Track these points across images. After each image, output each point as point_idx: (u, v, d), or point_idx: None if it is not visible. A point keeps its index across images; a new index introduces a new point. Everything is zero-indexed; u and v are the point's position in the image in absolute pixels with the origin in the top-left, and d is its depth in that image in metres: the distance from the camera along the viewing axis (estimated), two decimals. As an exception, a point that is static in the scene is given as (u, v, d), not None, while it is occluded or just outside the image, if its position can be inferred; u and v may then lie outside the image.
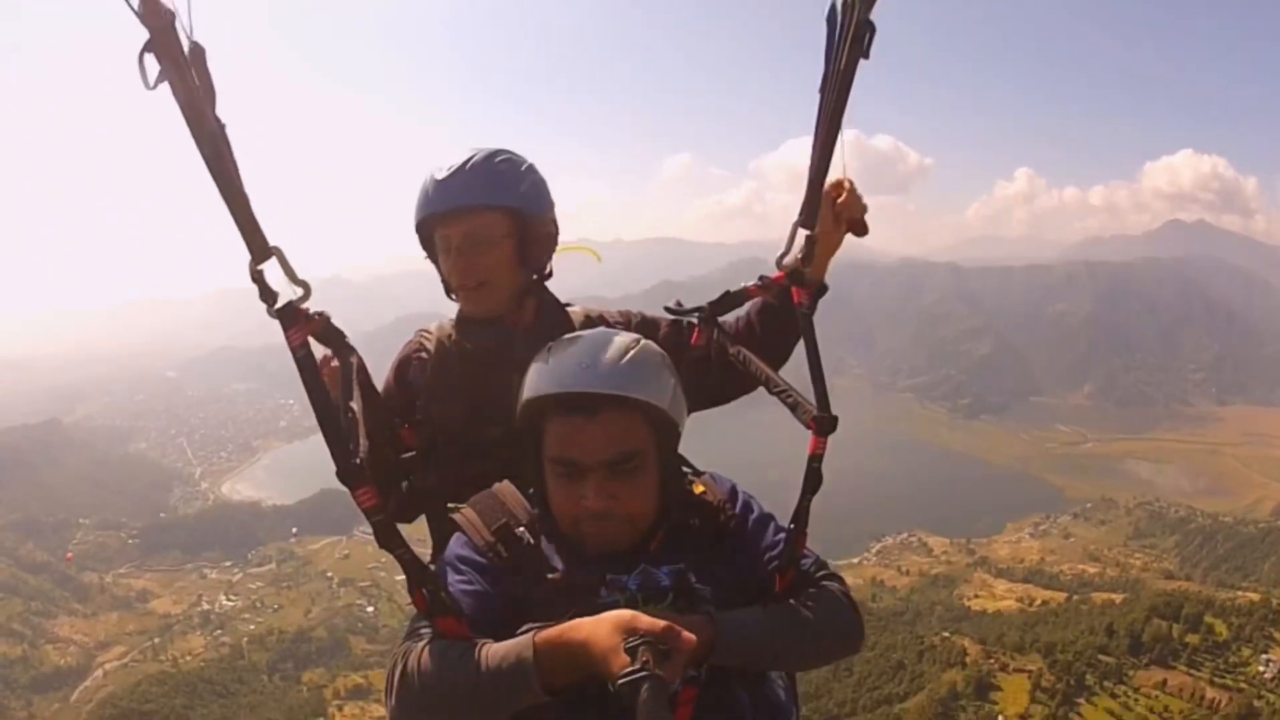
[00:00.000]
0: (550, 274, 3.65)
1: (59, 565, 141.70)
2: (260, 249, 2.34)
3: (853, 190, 3.41)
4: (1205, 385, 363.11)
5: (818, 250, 3.14)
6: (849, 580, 2.94)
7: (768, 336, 3.59)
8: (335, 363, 2.85)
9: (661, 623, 2.04)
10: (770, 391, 3.00)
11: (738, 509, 2.86)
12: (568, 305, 3.72)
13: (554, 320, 3.54)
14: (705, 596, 2.56)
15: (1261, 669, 77.76)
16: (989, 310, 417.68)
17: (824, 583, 2.82)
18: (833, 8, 2.63)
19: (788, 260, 3.15)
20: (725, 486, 2.92)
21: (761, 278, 3.29)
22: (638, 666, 1.93)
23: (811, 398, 2.78)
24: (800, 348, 3.07)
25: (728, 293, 3.33)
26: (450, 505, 2.81)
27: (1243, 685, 75.61)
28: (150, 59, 2.09)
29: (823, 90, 2.76)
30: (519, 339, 3.34)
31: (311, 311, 2.54)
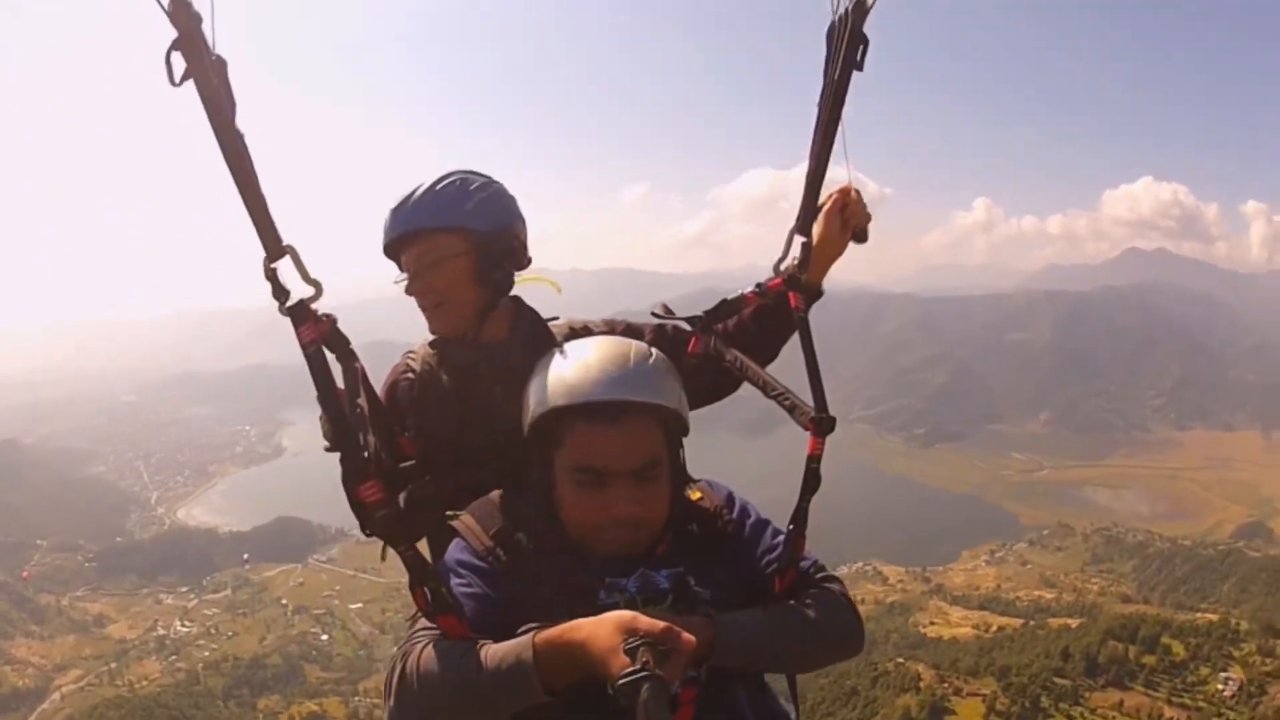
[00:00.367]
0: (510, 287, 3.66)
1: (16, 586, 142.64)
2: (275, 247, 2.47)
3: (859, 199, 3.60)
4: (1164, 411, 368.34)
5: (823, 256, 3.51)
6: None
7: (759, 337, 3.72)
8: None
9: (661, 623, 2.08)
10: (767, 395, 3.12)
11: (735, 514, 2.95)
12: (551, 320, 3.77)
13: (529, 333, 3.61)
14: (704, 599, 2.63)
15: (1221, 687, 78.73)
16: (947, 339, 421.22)
17: (823, 584, 2.89)
18: (831, 25, 2.82)
19: (784, 266, 3.33)
20: (722, 492, 3.02)
21: (758, 285, 3.42)
22: (638, 667, 1.95)
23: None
24: (797, 351, 3.27)
25: (725, 300, 3.47)
26: (448, 513, 2.88)
27: (1201, 704, 76.50)
28: (177, 57, 2.23)
29: (820, 103, 2.95)
30: (491, 354, 3.51)
31: (321, 314, 2.64)
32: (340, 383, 2.77)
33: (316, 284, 2.60)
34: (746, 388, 3.51)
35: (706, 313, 3.43)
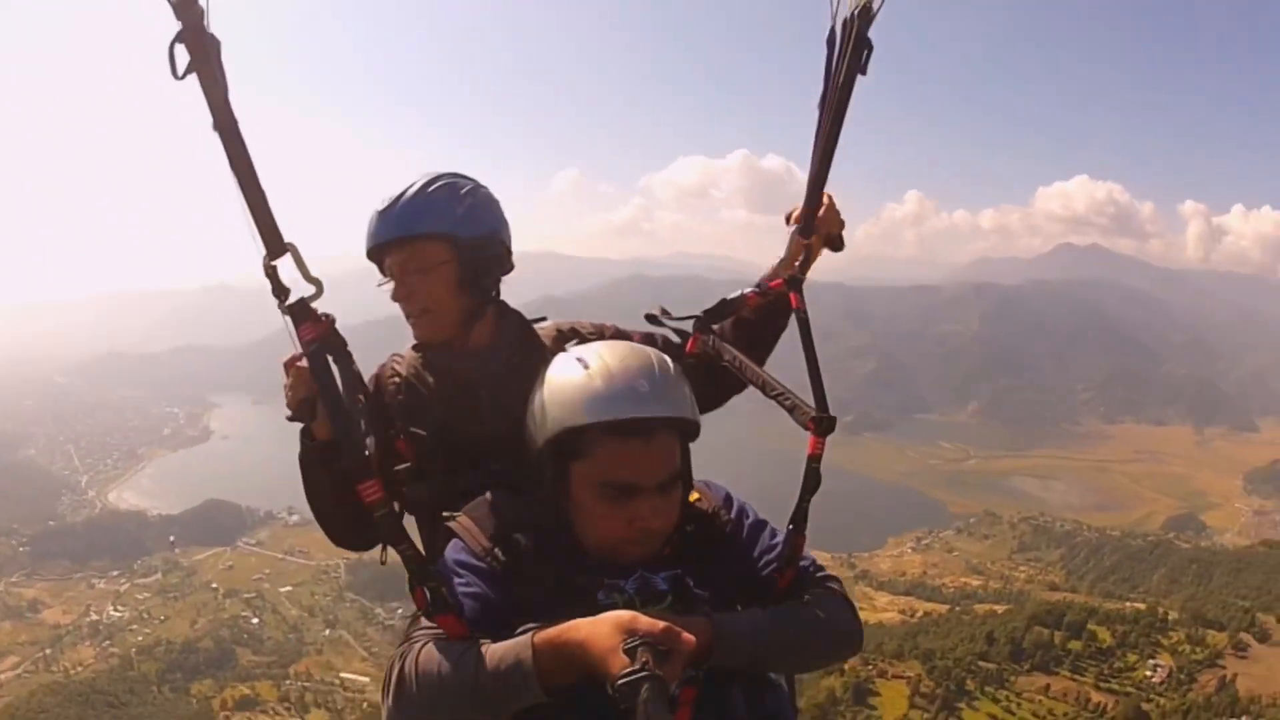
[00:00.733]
0: (499, 293, 3.70)
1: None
2: (275, 244, 2.57)
3: (832, 205, 3.66)
4: (1094, 404, 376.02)
5: (799, 263, 3.60)
6: None
7: (755, 337, 3.78)
8: (303, 362, 2.94)
9: (661, 623, 2.14)
10: (767, 395, 3.21)
11: (733, 514, 2.98)
12: (538, 321, 3.81)
13: (514, 337, 3.65)
14: (703, 599, 2.66)
15: (1149, 674, 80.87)
16: (875, 329, 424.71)
17: (822, 584, 2.94)
18: (833, 29, 3.01)
19: (785, 268, 3.55)
20: (720, 493, 3.05)
21: (759, 285, 3.61)
22: (637, 667, 2.00)
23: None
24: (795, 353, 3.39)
25: (724, 300, 3.60)
26: (445, 514, 2.93)
27: (1130, 690, 77.69)
28: (181, 50, 2.37)
29: (821, 106, 3.17)
30: (476, 359, 3.54)
31: (320, 313, 2.74)
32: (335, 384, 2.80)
33: (317, 282, 2.71)
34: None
35: (706, 312, 3.55)
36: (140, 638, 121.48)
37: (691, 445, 2.77)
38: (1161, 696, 76.77)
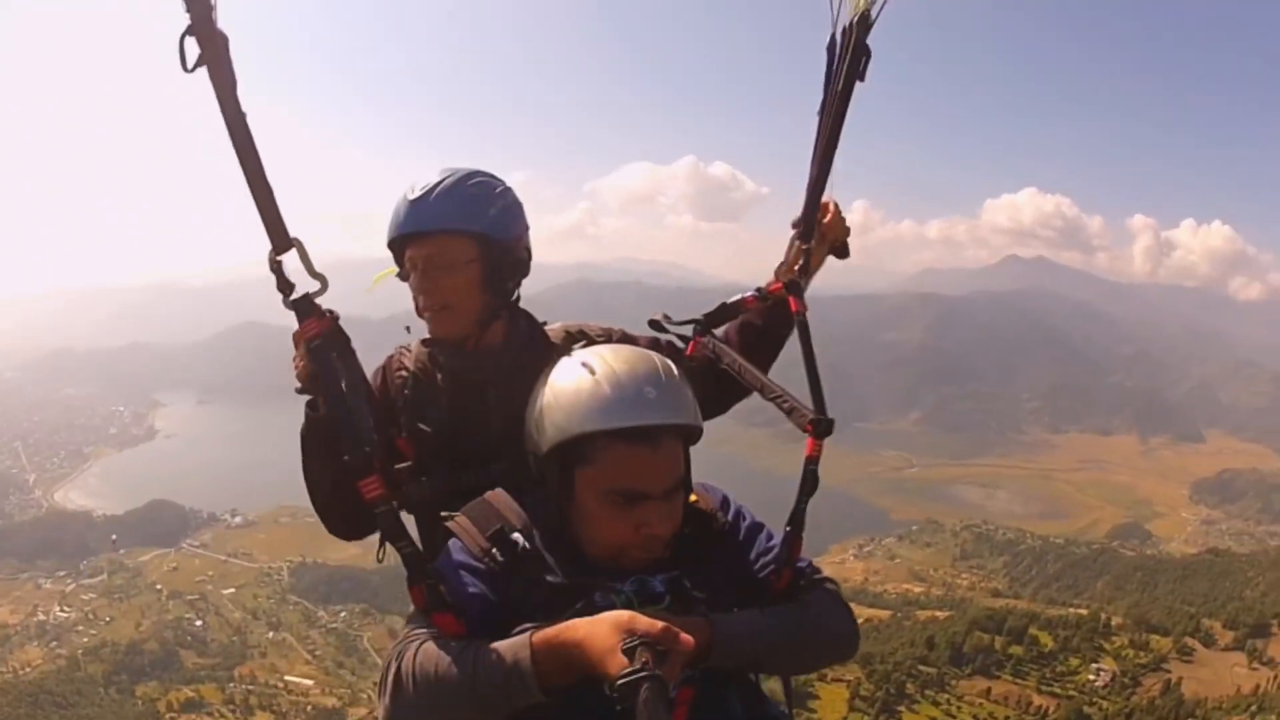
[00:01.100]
0: (519, 298, 3.74)
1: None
2: (281, 240, 2.63)
3: (837, 212, 3.78)
4: (1039, 414, 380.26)
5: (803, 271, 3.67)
6: None
7: (755, 347, 3.82)
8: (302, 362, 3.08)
9: (659, 624, 2.17)
10: (765, 397, 3.31)
11: (730, 516, 3.03)
12: (545, 324, 3.83)
13: (524, 341, 3.66)
14: (701, 600, 2.68)
15: (1092, 677, 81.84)
16: (817, 336, 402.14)
17: (819, 585, 3.00)
18: (833, 37, 3.13)
19: (785, 272, 3.64)
20: (717, 495, 3.09)
21: (758, 290, 3.71)
22: (636, 667, 2.03)
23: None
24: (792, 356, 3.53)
25: (724, 304, 3.77)
26: (444, 514, 2.96)
27: (1073, 693, 78.92)
28: (191, 43, 2.45)
29: (821, 113, 3.27)
30: (486, 359, 3.58)
31: (324, 309, 2.80)
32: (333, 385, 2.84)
33: (322, 278, 2.76)
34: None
35: (706, 316, 3.71)
36: (86, 639, 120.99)
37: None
38: (1105, 700, 77.49)
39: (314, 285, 2.76)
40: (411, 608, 2.66)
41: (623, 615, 2.22)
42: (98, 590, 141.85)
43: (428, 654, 2.41)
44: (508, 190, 3.53)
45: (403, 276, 3.58)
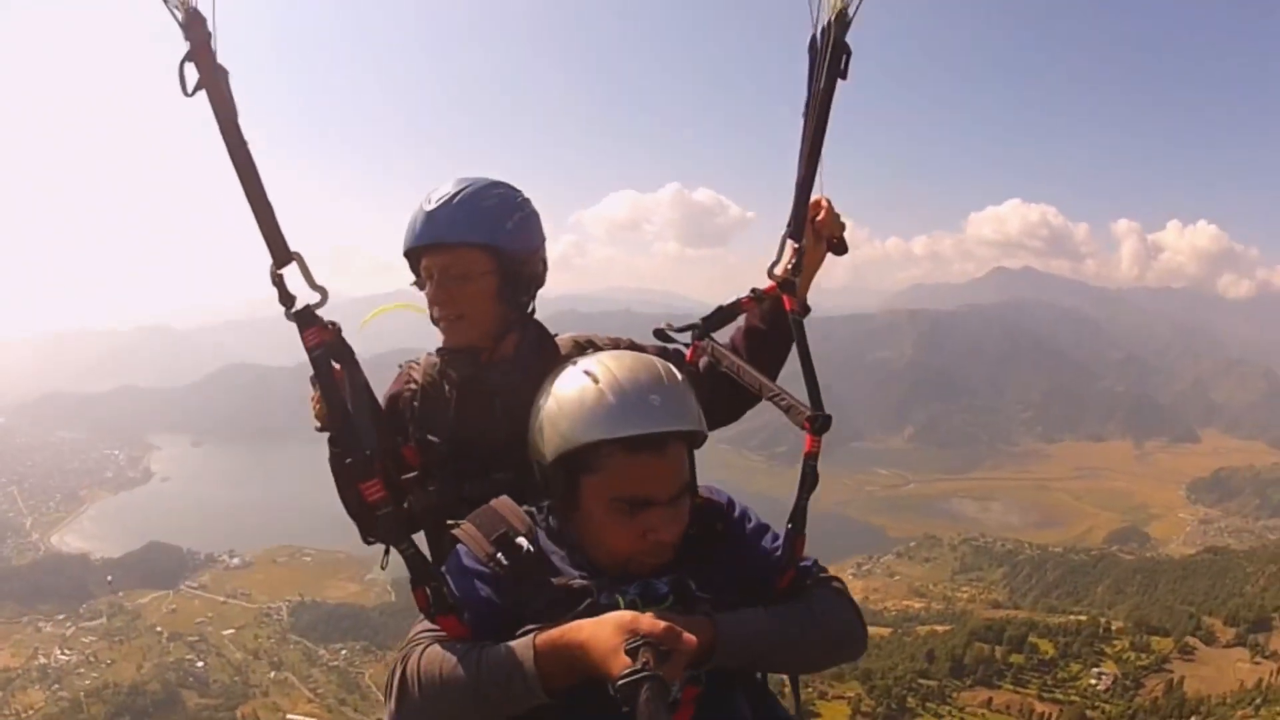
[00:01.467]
0: (534, 310, 3.82)
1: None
2: (282, 254, 2.68)
3: (830, 209, 3.79)
4: (1032, 424, 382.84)
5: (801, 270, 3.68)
6: None
7: (757, 356, 3.81)
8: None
9: (662, 624, 2.20)
10: (764, 397, 3.37)
11: (734, 518, 3.02)
12: (555, 335, 3.87)
13: (535, 352, 3.70)
14: (704, 601, 2.66)
15: (1094, 682, 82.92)
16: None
17: (824, 584, 3.00)
18: (813, 37, 3.16)
19: (779, 271, 3.65)
20: (721, 498, 3.07)
21: (754, 290, 3.80)
22: (639, 667, 2.06)
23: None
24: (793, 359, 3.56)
25: (720, 307, 3.84)
26: (449, 522, 2.96)
27: (1074, 698, 79.53)
28: (190, 68, 2.53)
29: (805, 113, 3.30)
30: (496, 370, 3.64)
31: (326, 321, 2.83)
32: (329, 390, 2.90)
33: (322, 290, 2.79)
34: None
35: (704, 320, 3.78)
36: (88, 681, 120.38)
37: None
38: (1107, 703, 78.03)
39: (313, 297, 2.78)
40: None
41: (626, 616, 2.26)
42: (98, 633, 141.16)
43: (432, 657, 2.44)
44: (527, 202, 3.63)
45: (419, 285, 3.69)
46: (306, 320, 2.73)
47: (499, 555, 2.65)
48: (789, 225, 3.54)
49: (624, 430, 2.55)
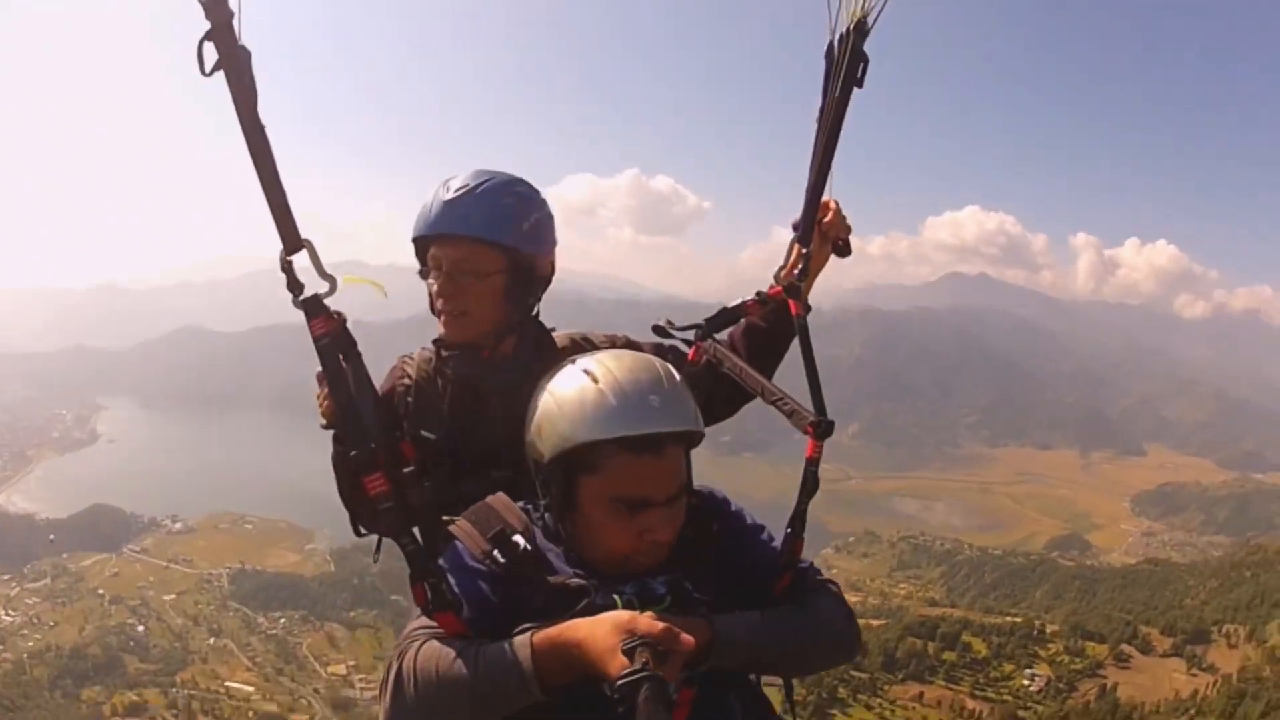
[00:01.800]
0: (538, 312, 3.81)
1: None
2: (293, 240, 2.68)
3: (838, 211, 3.84)
4: (977, 428, 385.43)
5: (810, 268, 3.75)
6: None
7: (756, 355, 3.88)
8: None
9: (660, 624, 2.22)
10: (766, 400, 3.37)
11: (731, 519, 3.05)
12: (553, 330, 3.89)
13: (534, 351, 3.69)
14: (701, 602, 2.68)
15: (1026, 683, 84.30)
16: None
17: (820, 587, 3.03)
18: (830, 44, 3.22)
19: (784, 275, 3.69)
20: (718, 498, 3.11)
21: (758, 294, 3.78)
22: (636, 667, 2.08)
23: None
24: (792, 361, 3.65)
25: (724, 308, 3.82)
26: (445, 518, 2.95)
27: (1006, 698, 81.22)
28: (210, 48, 2.52)
29: (820, 118, 3.37)
30: (495, 368, 3.62)
31: (333, 310, 2.84)
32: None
33: (331, 279, 2.81)
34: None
35: (707, 321, 3.75)
36: (31, 643, 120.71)
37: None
38: (1039, 704, 79.46)
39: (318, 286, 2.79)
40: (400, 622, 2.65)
41: (623, 615, 2.27)
42: (41, 594, 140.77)
43: (428, 654, 2.45)
44: (544, 203, 3.54)
45: (422, 274, 3.60)
46: (314, 309, 2.75)
47: (495, 552, 2.65)
48: (798, 229, 3.62)
49: (623, 430, 2.57)
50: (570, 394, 2.67)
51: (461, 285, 3.42)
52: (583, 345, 3.67)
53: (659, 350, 3.68)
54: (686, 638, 2.22)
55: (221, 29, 2.48)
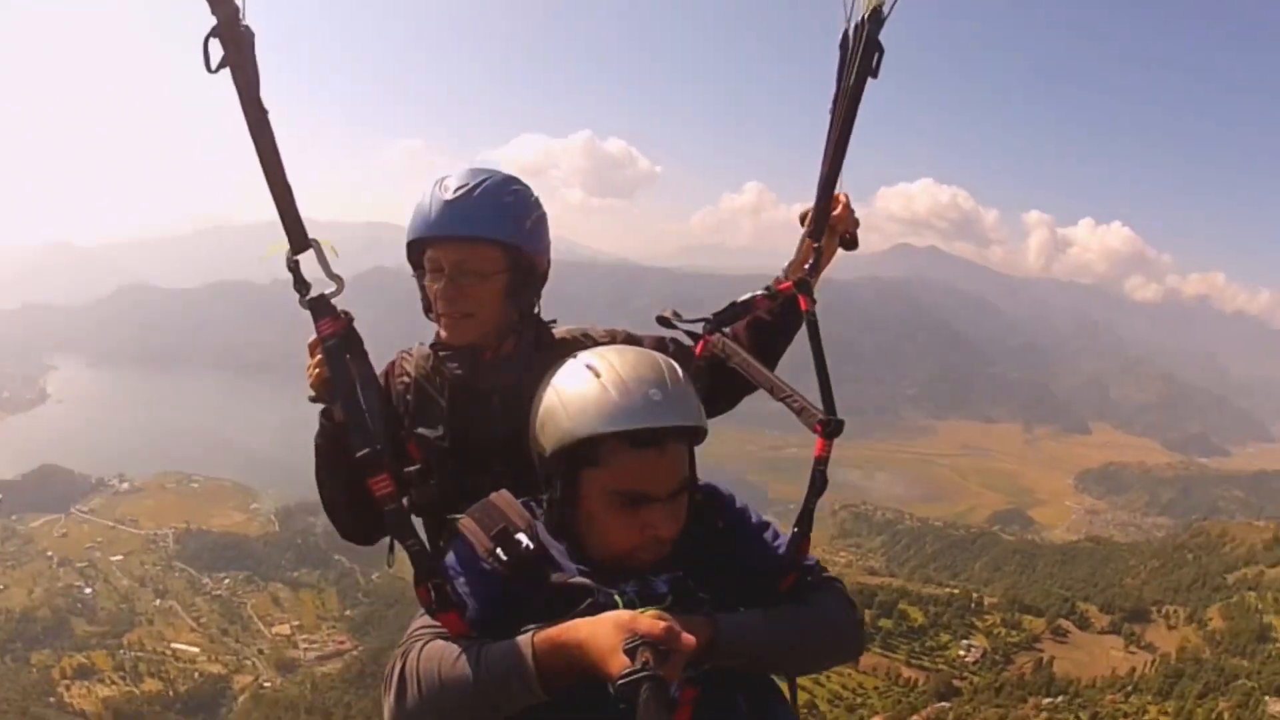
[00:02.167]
0: (539, 310, 3.75)
1: None
2: (299, 240, 2.68)
3: (847, 205, 3.80)
4: (919, 400, 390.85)
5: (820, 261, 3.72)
6: None
7: (762, 344, 3.84)
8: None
9: (661, 623, 2.20)
10: (775, 397, 3.31)
11: (736, 516, 3.05)
12: (552, 322, 3.84)
13: (535, 349, 3.64)
14: (704, 600, 2.70)
15: (963, 653, 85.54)
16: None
17: (825, 586, 3.02)
18: (845, 33, 3.20)
19: (794, 270, 3.69)
20: (722, 495, 3.09)
21: (767, 288, 3.73)
22: (637, 666, 2.07)
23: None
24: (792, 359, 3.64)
25: (734, 303, 3.72)
26: (449, 516, 3.00)
27: (942, 667, 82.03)
28: (215, 44, 2.45)
29: (833, 108, 3.36)
30: (495, 368, 3.58)
31: (340, 310, 2.84)
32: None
33: (339, 279, 2.80)
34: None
35: (715, 315, 3.65)
36: None
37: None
38: (975, 674, 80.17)
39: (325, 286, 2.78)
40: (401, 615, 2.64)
41: (624, 615, 2.26)
42: None
43: (431, 653, 2.45)
44: (539, 202, 3.50)
45: (417, 277, 3.53)
46: (321, 309, 2.75)
47: (498, 551, 2.63)
48: (809, 224, 3.60)
49: (624, 424, 2.55)
50: (573, 388, 2.67)
51: (465, 287, 3.36)
52: (583, 342, 3.55)
53: (660, 343, 3.67)
54: (688, 637, 2.20)
55: (228, 24, 2.43)
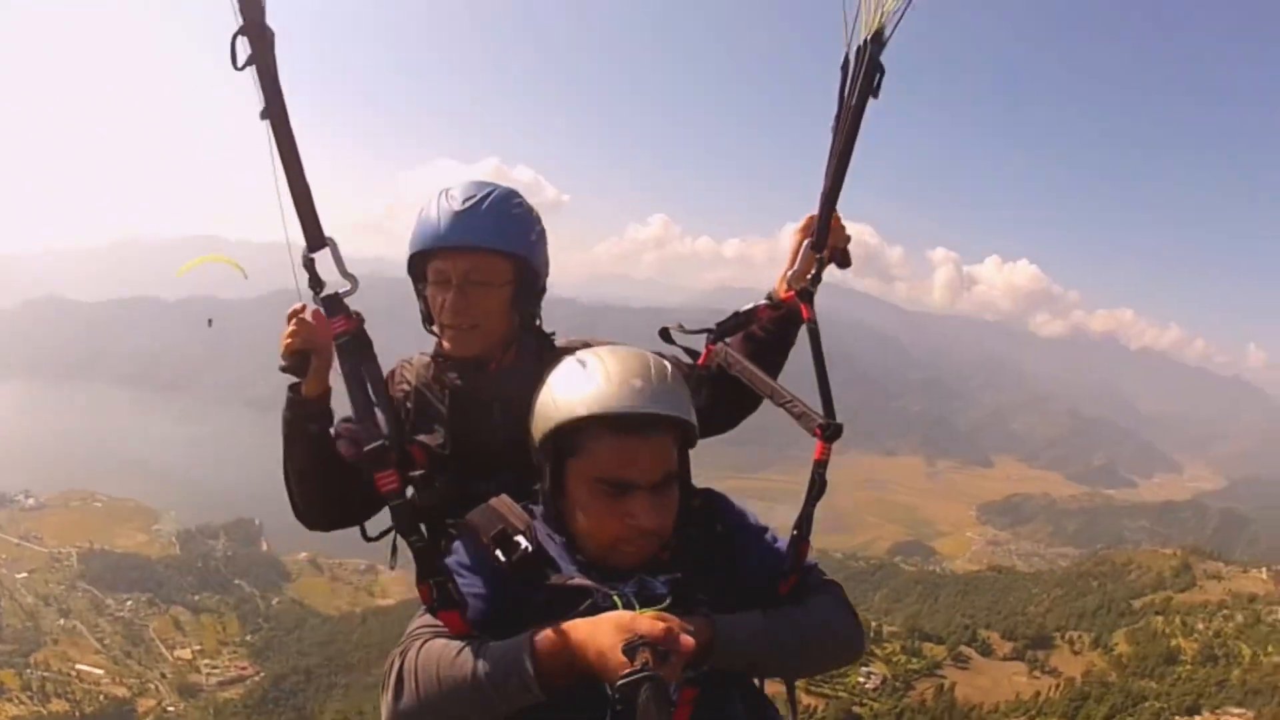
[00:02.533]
0: (541, 322, 3.83)
1: None
2: (316, 238, 2.72)
3: (839, 220, 3.80)
4: None
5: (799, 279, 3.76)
6: None
7: (762, 353, 3.87)
8: (307, 313, 3.39)
9: (660, 624, 2.27)
10: (776, 403, 3.40)
11: (734, 520, 3.12)
12: (553, 334, 3.89)
13: (536, 360, 3.56)
14: (703, 602, 2.74)
15: (862, 680, 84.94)
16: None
17: (824, 588, 3.11)
18: (846, 56, 3.27)
19: (795, 279, 3.74)
20: (721, 499, 3.19)
21: (769, 297, 3.84)
22: (637, 667, 2.12)
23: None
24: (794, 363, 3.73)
25: (737, 313, 3.85)
26: (449, 520, 3.02)
27: (841, 694, 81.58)
28: (242, 42, 2.51)
29: (835, 127, 3.40)
30: (495, 378, 3.62)
31: (352, 310, 2.88)
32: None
33: (353, 278, 2.86)
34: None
35: (719, 325, 3.77)
36: None
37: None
38: (875, 701, 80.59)
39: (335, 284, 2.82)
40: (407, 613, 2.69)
41: (624, 615, 2.33)
42: None
43: (430, 652, 2.50)
44: (540, 216, 3.57)
45: (418, 290, 3.60)
46: (334, 307, 2.79)
47: (497, 553, 2.70)
48: (812, 236, 3.63)
49: (604, 408, 2.64)
50: (560, 378, 2.77)
51: (473, 298, 3.40)
52: (581, 349, 3.29)
53: (658, 356, 3.35)
54: (687, 638, 2.26)
55: (254, 24, 2.48)
